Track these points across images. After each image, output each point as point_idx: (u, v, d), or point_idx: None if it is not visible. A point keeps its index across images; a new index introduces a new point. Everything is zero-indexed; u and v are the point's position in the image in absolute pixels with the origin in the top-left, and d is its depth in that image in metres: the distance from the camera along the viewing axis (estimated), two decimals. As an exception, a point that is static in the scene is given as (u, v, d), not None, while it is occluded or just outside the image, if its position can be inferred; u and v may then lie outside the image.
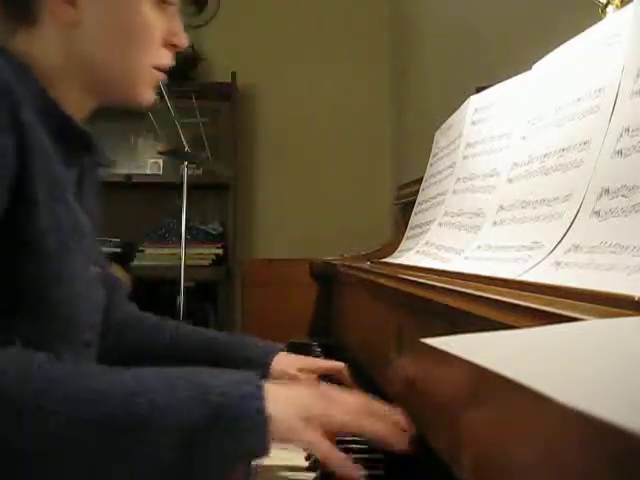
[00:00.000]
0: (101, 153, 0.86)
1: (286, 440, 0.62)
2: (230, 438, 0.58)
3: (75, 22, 0.78)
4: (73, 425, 0.55)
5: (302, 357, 1.05)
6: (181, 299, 2.41)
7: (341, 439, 0.82)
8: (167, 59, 0.85)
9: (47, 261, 0.71)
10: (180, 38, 0.85)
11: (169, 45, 0.84)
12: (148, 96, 0.85)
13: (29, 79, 0.75)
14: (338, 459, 0.63)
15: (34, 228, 0.70)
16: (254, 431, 0.59)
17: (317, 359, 1.08)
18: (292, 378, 0.97)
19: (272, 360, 0.99)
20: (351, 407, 0.66)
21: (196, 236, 3.09)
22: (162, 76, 0.85)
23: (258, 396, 0.60)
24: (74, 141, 0.81)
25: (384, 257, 1.44)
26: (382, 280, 0.99)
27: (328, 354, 1.37)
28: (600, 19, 0.86)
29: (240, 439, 0.58)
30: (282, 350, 1.05)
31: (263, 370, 0.97)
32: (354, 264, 1.42)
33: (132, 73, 0.82)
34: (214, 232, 3.16)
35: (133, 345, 1.03)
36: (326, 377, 1.03)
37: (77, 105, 0.82)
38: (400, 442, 0.65)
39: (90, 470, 0.56)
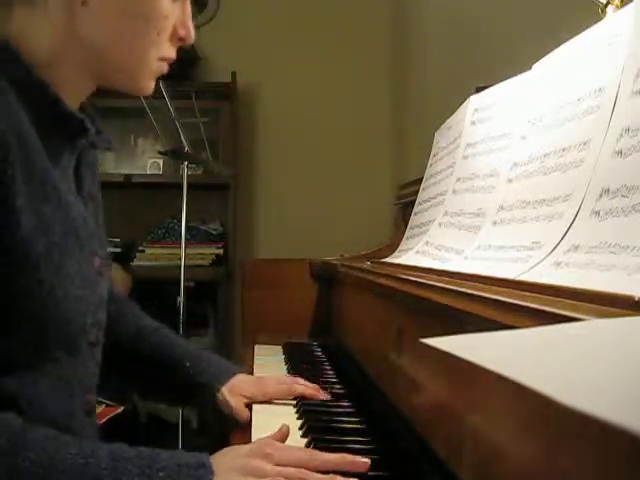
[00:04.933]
0: (99, 134, 0.83)
1: None
2: None
3: (81, 4, 0.74)
4: None
5: (249, 382, 1.01)
6: (181, 299, 2.41)
7: (340, 439, 0.82)
8: (173, 52, 0.83)
9: (37, 267, 0.69)
10: (189, 32, 0.82)
11: (176, 38, 0.82)
12: (149, 86, 0.82)
13: (16, 63, 0.72)
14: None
15: (16, 236, 0.67)
16: None
17: (262, 382, 1.02)
18: (230, 408, 0.97)
19: (222, 386, 0.98)
20: (292, 457, 0.70)
21: (196, 236, 3.09)
22: (166, 68, 0.83)
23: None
24: (66, 125, 0.77)
25: (384, 257, 1.44)
26: (382, 280, 0.99)
27: (328, 354, 1.37)
28: (600, 19, 0.86)
29: None
30: (239, 372, 1.02)
31: (212, 395, 0.97)
32: (354, 264, 1.42)
33: (137, 61, 0.79)
34: (214, 232, 3.16)
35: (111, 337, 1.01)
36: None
37: (74, 87, 0.79)
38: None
39: None
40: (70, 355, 0.75)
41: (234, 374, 1.01)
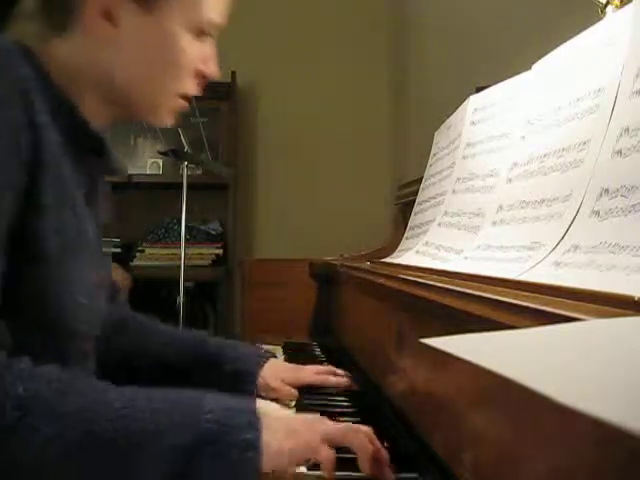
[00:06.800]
0: (114, 160, 0.85)
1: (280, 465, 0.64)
2: (223, 463, 0.59)
3: (111, 38, 0.77)
4: (64, 445, 0.56)
5: (291, 369, 1.05)
6: (181, 299, 2.41)
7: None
8: (194, 89, 0.84)
9: (48, 265, 0.70)
10: (212, 67, 0.84)
11: (200, 75, 0.84)
12: (167, 120, 0.85)
13: (47, 79, 0.75)
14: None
15: (38, 230, 0.69)
16: (245, 462, 0.60)
17: (306, 371, 1.06)
18: (273, 391, 0.99)
19: (259, 372, 1.00)
20: (344, 426, 0.69)
21: (196, 236, 3.09)
22: (186, 105, 0.85)
23: (254, 426, 0.61)
24: (86, 144, 0.80)
25: (384, 257, 1.44)
26: (382, 280, 0.99)
27: (328, 354, 1.37)
28: (600, 19, 0.86)
29: (233, 464, 0.60)
30: (271, 357, 1.05)
31: (251, 383, 0.99)
32: (354, 264, 1.42)
33: (156, 97, 0.82)
34: (214, 232, 3.16)
35: (127, 346, 1.02)
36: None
37: (95, 114, 0.81)
38: (373, 469, 0.66)
39: None
40: (61, 360, 0.75)
41: (269, 358, 1.04)
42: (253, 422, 0.62)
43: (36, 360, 0.62)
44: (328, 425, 0.69)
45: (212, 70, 0.84)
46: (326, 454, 0.64)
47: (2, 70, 0.67)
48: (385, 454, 0.67)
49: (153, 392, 0.63)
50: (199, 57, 0.82)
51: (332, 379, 1.04)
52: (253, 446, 0.60)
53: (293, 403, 0.98)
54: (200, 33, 0.81)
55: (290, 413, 0.75)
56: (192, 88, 0.84)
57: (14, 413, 0.55)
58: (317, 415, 0.73)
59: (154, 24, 0.78)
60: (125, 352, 1.01)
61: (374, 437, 0.69)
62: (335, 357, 1.32)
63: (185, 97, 0.84)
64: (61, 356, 0.73)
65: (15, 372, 0.58)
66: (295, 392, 0.99)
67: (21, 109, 0.67)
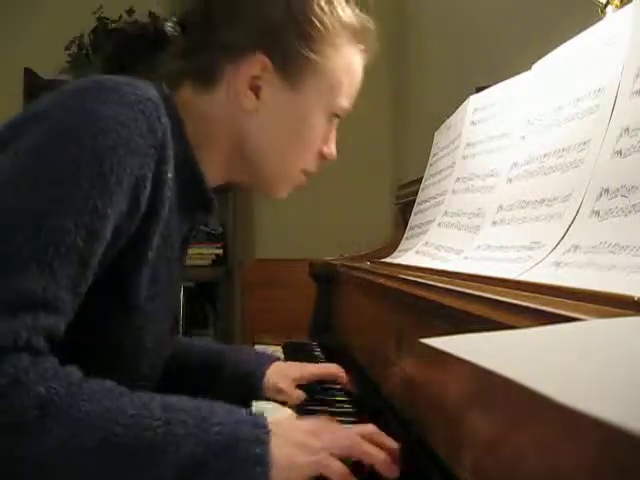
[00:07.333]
0: (214, 216, 0.88)
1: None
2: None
3: (251, 110, 0.80)
4: (75, 449, 0.56)
5: (295, 366, 1.04)
6: (181, 299, 2.41)
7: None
8: (314, 166, 0.87)
9: (137, 312, 0.72)
10: (332, 148, 0.88)
11: (321, 154, 0.87)
12: (284, 194, 0.88)
13: (182, 133, 0.76)
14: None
15: (138, 281, 0.71)
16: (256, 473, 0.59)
17: (309, 366, 1.06)
18: (282, 392, 0.98)
19: (265, 373, 0.99)
20: (351, 433, 0.68)
21: (196, 236, 3.09)
22: (304, 180, 0.88)
23: (262, 441, 0.61)
24: (198, 201, 0.82)
25: (384, 257, 1.44)
26: (382, 280, 0.99)
27: (328, 354, 1.37)
28: (600, 19, 0.86)
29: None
30: (276, 359, 1.05)
31: (257, 384, 0.98)
32: (354, 264, 1.42)
33: (283, 171, 0.85)
34: (214, 232, 3.16)
35: None
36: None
37: (214, 172, 0.83)
38: (392, 471, 0.66)
39: None
40: None
41: (274, 361, 1.04)
42: (262, 436, 0.61)
43: None
44: (336, 435, 0.67)
45: (332, 151, 0.88)
46: (336, 469, 0.63)
47: (145, 120, 0.68)
48: (395, 446, 0.67)
49: (165, 400, 0.62)
50: (325, 137, 0.86)
51: (337, 372, 1.04)
52: (262, 461, 0.59)
53: (295, 410, 0.97)
54: (332, 116, 0.85)
55: (296, 418, 0.74)
56: (313, 165, 0.87)
57: (33, 412, 0.55)
58: (322, 420, 0.72)
59: (296, 102, 0.81)
60: None
61: (380, 434, 0.69)
62: (335, 357, 1.32)
63: (306, 173, 0.87)
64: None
65: (40, 370, 0.57)
66: (302, 395, 0.98)
67: (152, 162, 0.68)
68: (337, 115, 0.86)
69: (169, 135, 0.71)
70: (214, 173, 0.83)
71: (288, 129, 0.82)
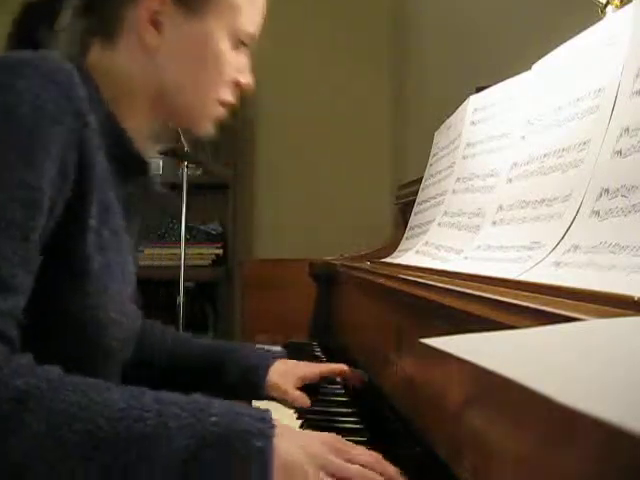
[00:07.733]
0: (154, 179, 0.89)
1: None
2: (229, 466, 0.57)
3: (156, 46, 0.80)
4: (56, 443, 0.55)
5: (301, 365, 1.04)
6: (181, 299, 2.41)
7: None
8: (231, 97, 0.87)
9: (89, 282, 0.72)
10: (247, 77, 0.88)
11: (235, 83, 0.87)
12: (208, 128, 0.87)
13: (99, 99, 0.77)
14: None
15: (82, 251, 0.71)
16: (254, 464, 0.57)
17: (315, 365, 1.06)
18: (285, 393, 0.97)
19: (268, 372, 0.99)
20: (361, 459, 0.65)
21: (196, 236, 3.09)
22: (224, 112, 0.88)
23: (266, 434, 0.59)
24: (131, 165, 0.82)
25: (384, 257, 1.44)
26: (382, 280, 0.99)
27: (328, 354, 1.37)
28: (600, 19, 0.86)
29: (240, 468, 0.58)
30: (281, 356, 1.05)
31: (260, 381, 0.98)
32: (354, 264, 1.42)
33: (199, 103, 0.85)
34: (214, 232, 3.16)
35: (135, 351, 1.02)
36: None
37: (138, 125, 0.83)
38: None
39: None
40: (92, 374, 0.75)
41: (278, 358, 1.03)
42: (266, 431, 0.59)
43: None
44: (336, 463, 0.63)
45: (247, 80, 0.88)
46: None
47: (61, 89, 0.68)
48: (396, 474, 0.65)
49: (158, 394, 0.61)
50: (236, 66, 0.85)
51: (341, 369, 1.04)
52: (263, 455, 0.57)
53: (294, 410, 0.97)
54: (237, 43, 0.84)
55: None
56: (229, 96, 0.87)
57: (9, 405, 0.54)
58: (325, 440, 0.67)
59: (197, 30, 0.81)
60: (131, 359, 1.01)
61: (384, 464, 0.66)
62: (335, 357, 1.32)
63: (224, 104, 0.87)
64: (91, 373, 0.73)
65: (14, 366, 0.57)
66: (304, 397, 0.97)
67: (75, 130, 0.69)
68: (243, 43, 0.85)
69: (87, 102, 0.71)
70: (142, 126, 0.84)
71: (194, 58, 0.82)
